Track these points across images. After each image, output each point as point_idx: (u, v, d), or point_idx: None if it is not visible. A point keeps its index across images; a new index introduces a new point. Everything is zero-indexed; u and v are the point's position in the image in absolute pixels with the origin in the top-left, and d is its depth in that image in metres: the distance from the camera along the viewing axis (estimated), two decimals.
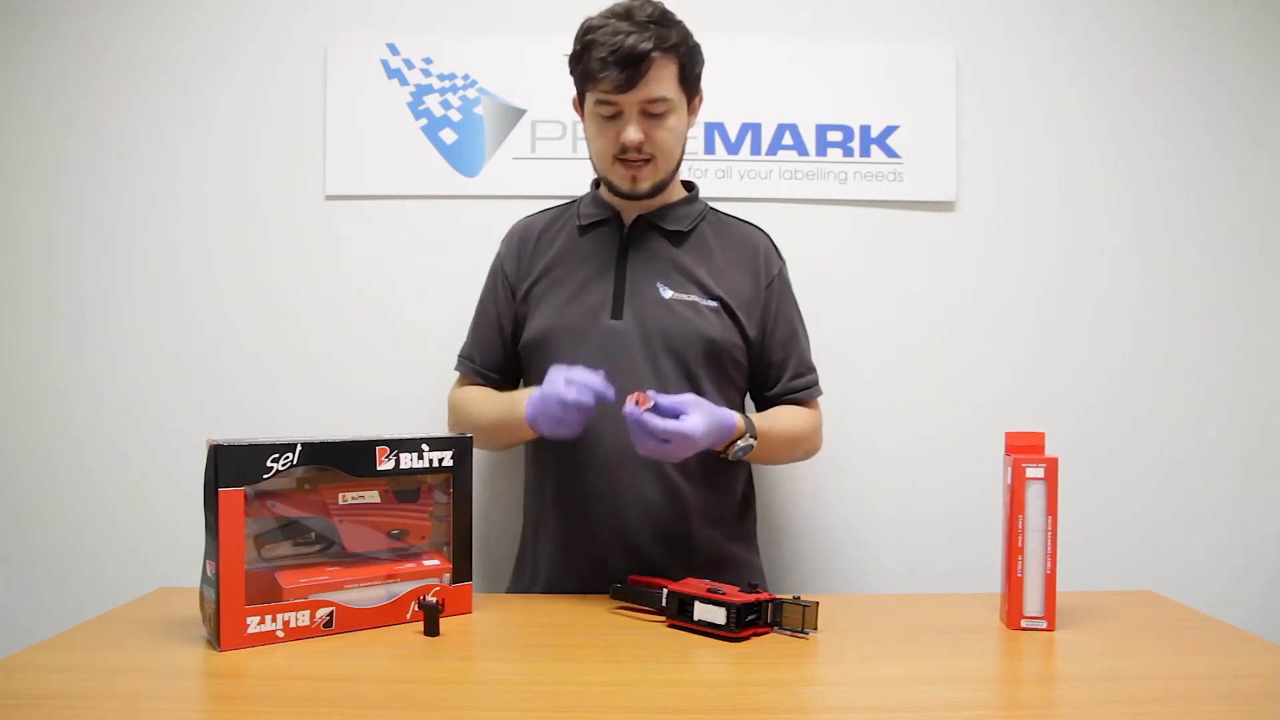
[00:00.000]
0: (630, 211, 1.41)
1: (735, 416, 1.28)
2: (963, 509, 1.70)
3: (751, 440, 1.28)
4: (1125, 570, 1.72)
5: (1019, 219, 1.74)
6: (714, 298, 1.37)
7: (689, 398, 1.21)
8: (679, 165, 1.39)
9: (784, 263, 1.47)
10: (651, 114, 1.30)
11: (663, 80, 1.29)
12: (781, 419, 1.39)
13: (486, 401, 1.41)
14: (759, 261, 1.42)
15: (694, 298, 1.36)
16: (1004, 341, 1.74)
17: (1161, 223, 1.75)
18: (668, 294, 1.36)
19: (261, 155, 1.71)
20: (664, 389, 1.29)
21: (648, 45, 1.25)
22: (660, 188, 1.37)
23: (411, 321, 1.70)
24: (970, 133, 1.73)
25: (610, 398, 1.20)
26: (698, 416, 1.19)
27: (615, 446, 1.30)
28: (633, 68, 1.25)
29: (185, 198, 1.71)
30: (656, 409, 1.18)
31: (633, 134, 1.30)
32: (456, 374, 1.51)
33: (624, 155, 1.32)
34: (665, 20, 1.30)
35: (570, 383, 1.19)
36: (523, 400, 1.27)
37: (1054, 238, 1.74)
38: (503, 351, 1.46)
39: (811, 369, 1.46)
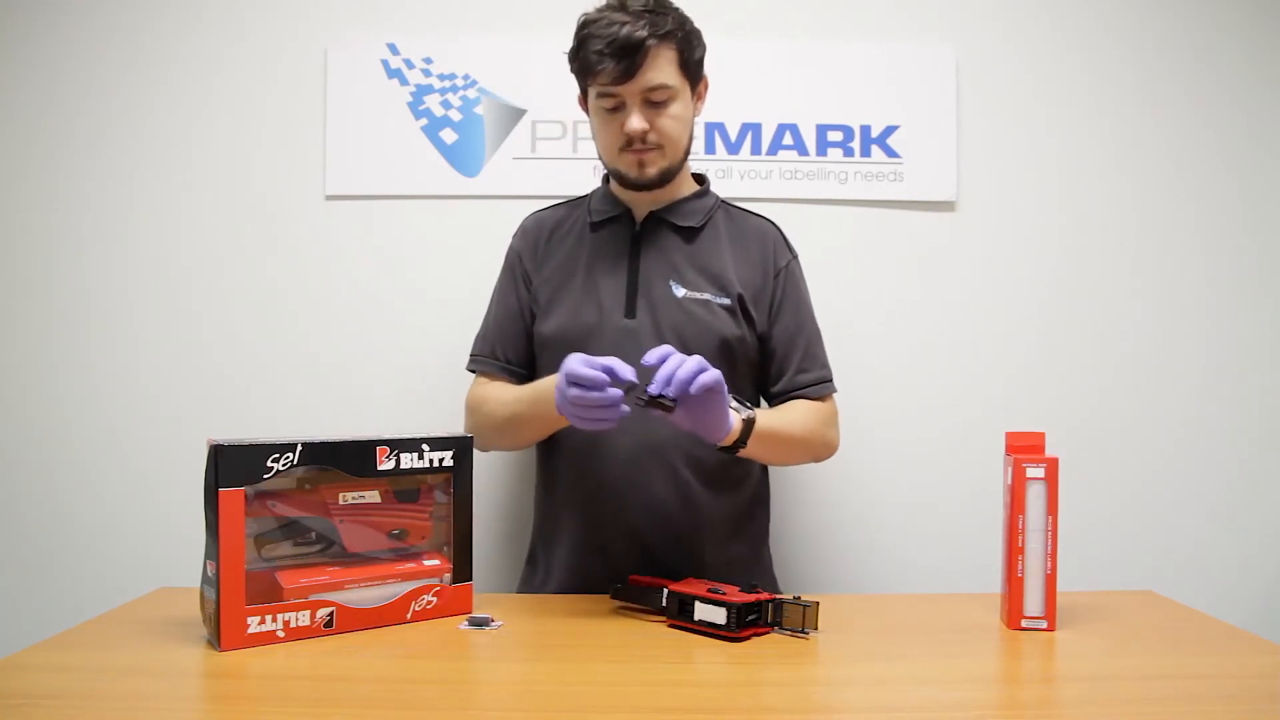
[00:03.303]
0: (641, 207, 1.40)
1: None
2: (963, 509, 1.70)
3: (748, 412, 1.22)
4: (1125, 570, 1.72)
5: (1019, 219, 1.74)
6: (728, 294, 1.36)
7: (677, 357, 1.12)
8: (687, 154, 1.38)
9: (794, 256, 1.45)
10: (654, 102, 1.29)
11: (661, 68, 1.28)
12: (787, 411, 1.36)
13: (511, 394, 1.36)
14: (768, 253, 1.41)
15: (707, 296, 1.35)
16: (1004, 341, 1.74)
17: (1161, 223, 1.75)
18: (680, 292, 1.35)
19: (261, 155, 1.71)
20: None
21: (643, 34, 1.25)
22: (669, 175, 1.36)
23: (412, 321, 1.70)
24: (970, 133, 1.73)
25: (618, 396, 1.12)
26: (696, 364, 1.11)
27: (627, 446, 1.31)
28: (630, 57, 1.25)
29: (185, 198, 1.71)
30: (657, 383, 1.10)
31: (636, 123, 1.29)
32: (473, 376, 1.45)
33: (630, 146, 1.31)
34: (660, 8, 1.29)
35: (582, 407, 1.12)
36: (550, 390, 1.20)
37: (1054, 238, 1.74)
38: (528, 344, 1.42)
39: (822, 365, 1.42)
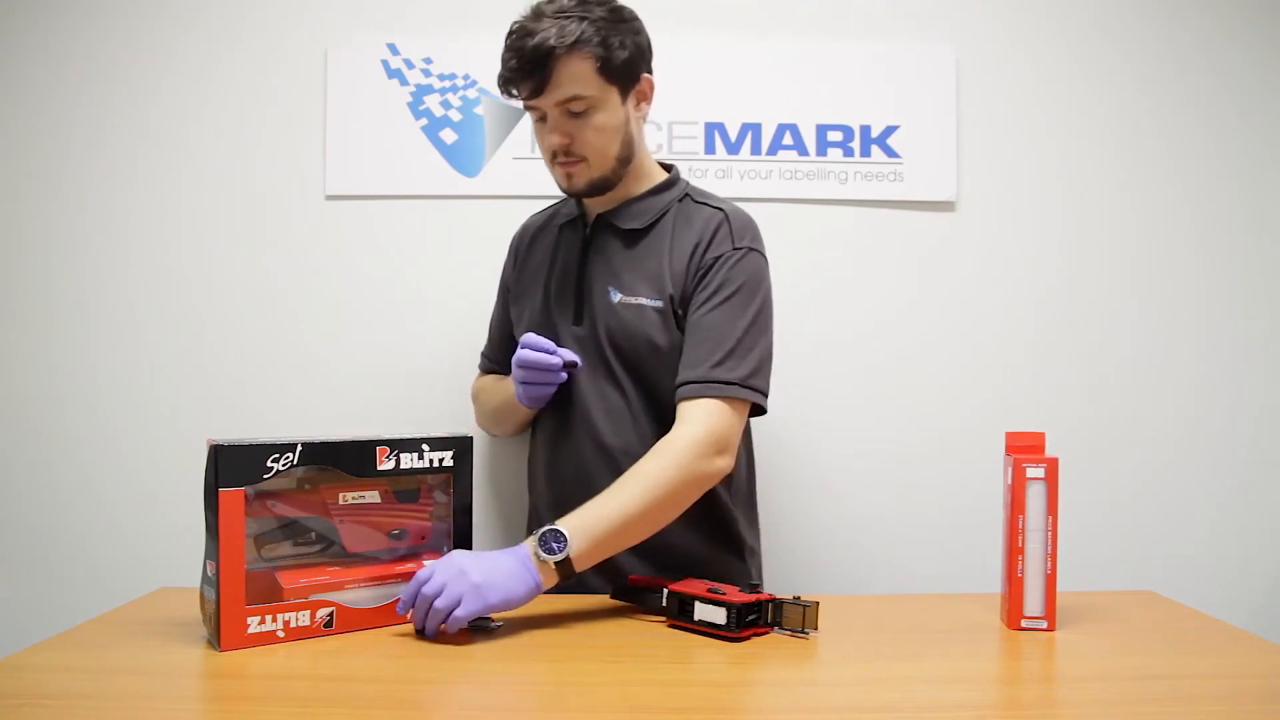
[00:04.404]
0: (594, 210, 1.38)
1: (524, 547, 1.11)
2: (963, 509, 1.70)
3: (555, 547, 1.10)
4: (1125, 570, 1.72)
5: (1019, 219, 1.74)
6: (664, 297, 1.30)
7: (443, 559, 1.09)
8: (629, 160, 1.32)
9: (746, 249, 1.30)
10: (573, 113, 1.25)
11: (576, 78, 1.22)
12: (630, 486, 1.17)
13: (495, 387, 1.51)
14: (702, 243, 1.30)
15: (640, 300, 1.30)
16: (1004, 341, 1.74)
17: (1161, 222, 1.75)
18: (616, 298, 1.32)
19: (261, 155, 1.70)
20: (623, 394, 1.33)
21: (551, 44, 1.19)
22: (600, 186, 1.31)
23: (412, 321, 1.70)
24: (970, 133, 1.73)
25: (558, 362, 1.29)
26: (441, 572, 1.06)
27: (581, 445, 1.33)
28: (538, 71, 1.21)
29: (186, 198, 1.71)
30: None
31: (553, 138, 1.26)
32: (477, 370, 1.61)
33: (555, 159, 1.30)
34: (580, 10, 1.22)
35: (524, 369, 1.30)
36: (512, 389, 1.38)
37: (1054, 238, 1.74)
38: (512, 350, 1.44)
39: (715, 364, 1.23)
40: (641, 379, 1.33)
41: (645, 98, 1.32)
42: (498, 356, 1.54)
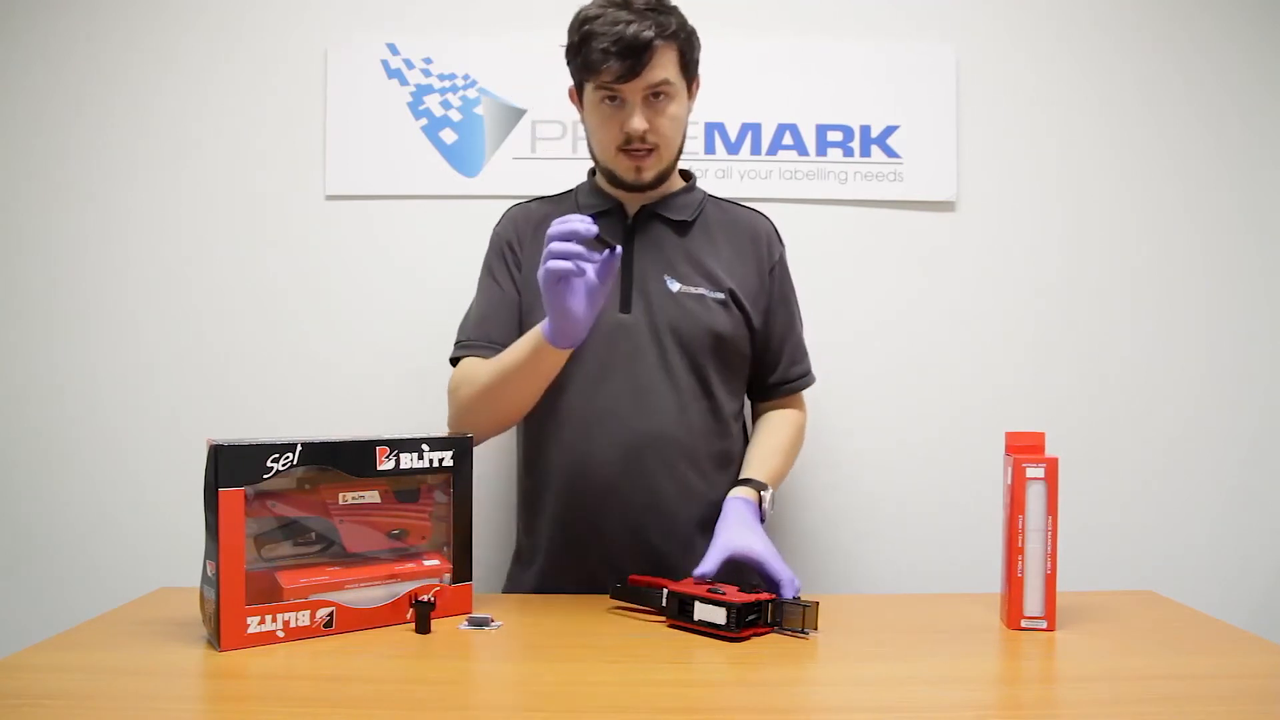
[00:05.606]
0: (633, 202, 1.40)
1: (740, 493, 1.32)
2: (963, 509, 1.70)
3: (765, 495, 1.34)
4: (1125, 570, 1.72)
5: (1019, 219, 1.74)
6: (722, 289, 1.37)
7: (721, 544, 1.23)
8: (680, 153, 1.38)
9: (784, 248, 1.48)
10: (655, 102, 1.30)
11: (664, 66, 1.28)
12: (770, 447, 1.42)
13: (496, 359, 1.30)
14: (761, 248, 1.43)
15: (701, 290, 1.36)
16: (1004, 341, 1.74)
17: (1161, 223, 1.76)
18: (675, 287, 1.36)
19: (262, 155, 1.71)
20: (673, 382, 1.34)
21: (650, 33, 1.25)
22: (664, 177, 1.37)
23: (412, 321, 1.70)
24: (970, 133, 1.73)
25: (594, 234, 1.13)
26: (751, 544, 1.25)
27: (621, 435, 1.32)
28: (635, 56, 1.25)
29: (186, 198, 1.71)
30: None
31: (638, 123, 1.29)
32: (453, 369, 1.38)
33: (628, 146, 1.31)
34: (662, 6, 1.30)
35: (555, 258, 1.12)
36: (538, 330, 1.21)
37: (1054, 238, 1.74)
38: (520, 329, 1.35)
39: (806, 355, 1.49)
40: (696, 366, 1.36)
41: (694, 96, 1.39)
42: (505, 337, 1.34)
